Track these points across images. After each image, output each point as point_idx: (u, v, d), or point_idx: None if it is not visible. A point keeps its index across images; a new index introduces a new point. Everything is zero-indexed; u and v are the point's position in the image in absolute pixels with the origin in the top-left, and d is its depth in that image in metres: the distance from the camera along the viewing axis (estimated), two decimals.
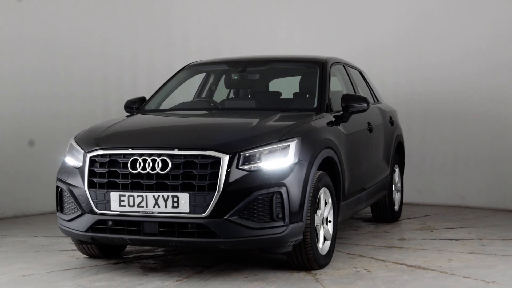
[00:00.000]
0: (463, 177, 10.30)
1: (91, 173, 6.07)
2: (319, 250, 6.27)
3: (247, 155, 5.86)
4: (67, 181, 6.22)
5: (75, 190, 6.13)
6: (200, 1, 11.14)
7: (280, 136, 6.03)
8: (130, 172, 5.91)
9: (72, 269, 6.47)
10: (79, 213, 6.10)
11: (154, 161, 5.87)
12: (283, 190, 5.81)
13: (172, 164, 5.84)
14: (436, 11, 10.42)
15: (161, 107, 7.52)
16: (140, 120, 6.99)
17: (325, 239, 6.46)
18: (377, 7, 10.83)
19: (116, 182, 5.95)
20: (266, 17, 11.26)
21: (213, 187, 5.73)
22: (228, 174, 5.76)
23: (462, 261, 6.60)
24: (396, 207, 8.87)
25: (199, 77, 8.08)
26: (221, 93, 8.27)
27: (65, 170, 6.34)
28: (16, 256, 7.07)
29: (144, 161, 5.89)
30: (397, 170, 8.91)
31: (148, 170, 5.87)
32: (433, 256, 6.84)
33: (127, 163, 5.93)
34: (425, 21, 10.48)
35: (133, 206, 5.89)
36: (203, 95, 8.25)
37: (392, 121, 8.70)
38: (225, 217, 5.71)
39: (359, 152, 7.41)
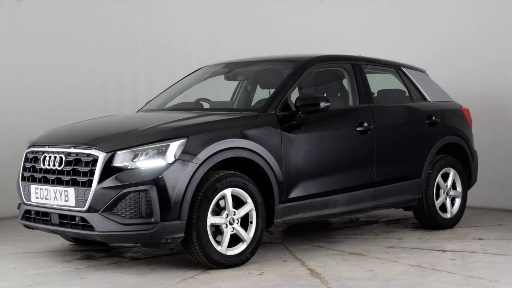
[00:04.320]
0: None
1: (23, 168, 6.84)
2: (219, 249, 6.31)
3: (124, 154, 6.17)
4: (19, 175, 7.05)
5: (18, 183, 6.94)
6: (200, 3, 11.24)
7: (162, 136, 6.24)
8: (41, 168, 6.57)
9: (30, 252, 7.31)
10: (19, 202, 6.90)
11: (55, 158, 6.46)
12: (151, 188, 6.03)
13: (66, 161, 6.39)
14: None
15: (166, 106, 7.94)
16: (96, 121, 7.48)
17: (239, 239, 6.48)
18: (446, 5, 10.30)
19: (34, 176, 6.65)
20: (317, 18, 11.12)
21: (90, 183, 6.16)
22: (103, 171, 6.14)
23: (374, 273, 6.16)
24: (449, 214, 8.22)
25: (213, 80, 8.30)
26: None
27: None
28: (17, 239, 8.10)
29: (50, 157, 6.51)
30: (451, 173, 8.24)
31: (51, 166, 6.48)
32: (365, 265, 6.44)
33: (41, 159, 6.60)
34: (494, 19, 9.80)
35: (42, 198, 6.54)
36: (239, 96, 8.47)
37: (433, 122, 8.10)
38: (99, 212, 6.11)
39: (326, 153, 7.13)
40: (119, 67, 10.84)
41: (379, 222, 8.80)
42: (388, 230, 8.26)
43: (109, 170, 6.13)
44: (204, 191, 6.21)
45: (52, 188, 6.43)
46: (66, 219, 6.35)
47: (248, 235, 6.51)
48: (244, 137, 6.54)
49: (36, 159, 6.69)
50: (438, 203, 8.14)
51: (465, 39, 10.13)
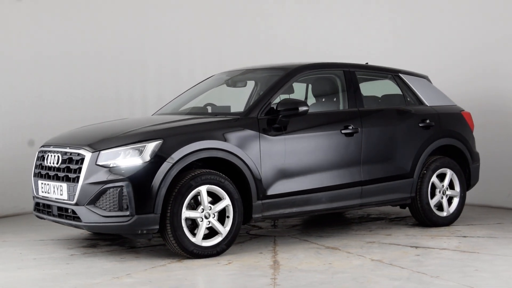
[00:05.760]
0: None
1: (35, 165, 7.72)
2: (194, 241, 6.97)
3: (107, 153, 6.92)
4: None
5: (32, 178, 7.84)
6: (204, 17, 11.75)
7: (141, 138, 6.97)
8: (45, 165, 7.44)
9: (46, 240, 8.16)
10: (32, 196, 7.79)
11: (55, 156, 7.31)
12: (127, 184, 6.77)
13: (62, 159, 7.22)
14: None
15: (179, 110, 8.65)
16: (96, 125, 8.14)
17: (215, 232, 7.13)
18: (453, 13, 10.63)
19: (41, 173, 7.52)
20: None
21: (79, 180, 6.96)
22: (88, 169, 6.93)
23: (331, 266, 6.62)
24: (445, 213, 8.57)
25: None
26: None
27: None
28: (43, 228, 8.90)
29: (51, 156, 7.36)
30: (448, 174, 8.58)
31: (51, 164, 7.32)
32: (329, 259, 6.91)
33: (45, 157, 7.46)
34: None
35: (46, 192, 7.40)
36: (252, 101, 9.04)
37: (428, 125, 8.46)
38: (85, 205, 6.90)
39: (306, 154, 7.62)
40: (130, 78, 11.56)
41: (385, 219, 9.20)
42: (385, 226, 8.67)
43: (94, 168, 6.90)
44: (178, 187, 6.89)
45: (52, 183, 7.26)
46: (62, 211, 7.16)
47: (224, 229, 7.13)
48: (222, 139, 7.16)
49: (43, 158, 7.54)
50: (433, 202, 8.49)
51: (469, 48, 10.46)
